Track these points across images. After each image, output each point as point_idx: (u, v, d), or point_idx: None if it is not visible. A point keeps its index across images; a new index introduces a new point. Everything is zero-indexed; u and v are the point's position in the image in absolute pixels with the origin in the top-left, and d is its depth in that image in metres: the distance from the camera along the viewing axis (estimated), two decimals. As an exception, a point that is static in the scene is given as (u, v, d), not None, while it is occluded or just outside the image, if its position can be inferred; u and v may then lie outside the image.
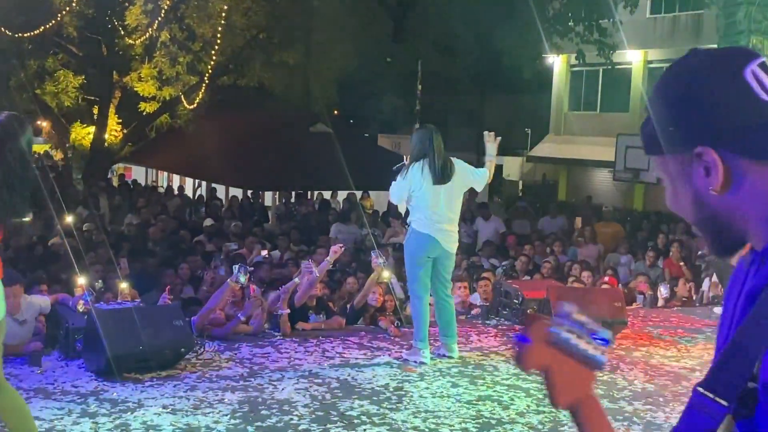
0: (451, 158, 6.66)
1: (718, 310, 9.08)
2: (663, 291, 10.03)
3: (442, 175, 6.48)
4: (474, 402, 5.69)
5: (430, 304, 6.70)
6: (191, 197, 20.14)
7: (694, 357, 7.20)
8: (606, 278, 10.26)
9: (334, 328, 7.64)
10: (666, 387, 6.25)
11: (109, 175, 22.00)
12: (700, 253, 11.05)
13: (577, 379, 1.42)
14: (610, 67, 23.60)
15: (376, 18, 22.29)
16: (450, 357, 6.71)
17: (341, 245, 8.06)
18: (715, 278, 10.31)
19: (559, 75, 29.36)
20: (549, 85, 29.08)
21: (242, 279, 6.94)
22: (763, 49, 10.49)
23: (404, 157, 6.86)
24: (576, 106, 29.22)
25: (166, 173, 25.40)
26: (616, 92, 27.38)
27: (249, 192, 18.87)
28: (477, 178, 6.73)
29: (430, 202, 6.49)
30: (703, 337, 8.01)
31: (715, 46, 21.76)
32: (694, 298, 10.37)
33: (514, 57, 22.68)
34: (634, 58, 26.52)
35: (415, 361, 6.57)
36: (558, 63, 28.86)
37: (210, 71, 18.28)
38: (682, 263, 11.60)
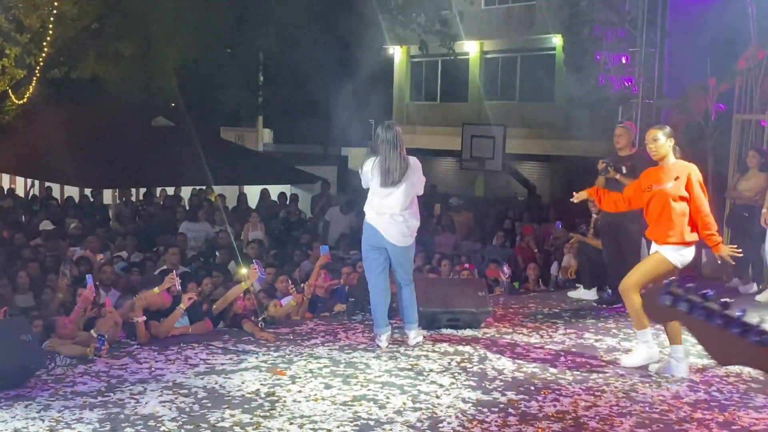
0: (409, 158, 6.85)
1: (572, 294, 9.31)
2: (505, 270, 10.21)
3: (388, 180, 6.77)
4: (350, 403, 5.52)
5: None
6: (24, 198, 18.98)
7: (557, 342, 7.31)
8: (466, 265, 10.37)
9: (201, 332, 7.27)
10: (535, 375, 6.30)
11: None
12: (552, 236, 11.34)
13: None
14: (449, 57, 24.02)
15: (216, 8, 21.67)
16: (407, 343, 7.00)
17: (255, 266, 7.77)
18: (566, 262, 10.59)
19: (399, 66, 29.64)
20: (391, 75, 29.26)
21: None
22: (604, 38, 10.85)
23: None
24: (417, 97, 29.59)
25: (-7, 173, 23.84)
26: (455, 82, 27.89)
27: (89, 191, 17.92)
28: (421, 186, 7.01)
29: (378, 197, 6.84)
30: (562, 321, 8.16)
31: (548, 35, 22.64)
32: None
33: (357, 48, 22.66)
34: (471, 49, 27.08)
35: (377, 347, 6.88)
36: (398, 54, 29.12)
37: (40, 64, 17.23)
38: (536, 249, 11.88)
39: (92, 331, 6.59)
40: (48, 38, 16.79)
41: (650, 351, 6.21)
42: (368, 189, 6.97)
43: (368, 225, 6.95)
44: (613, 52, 10.96)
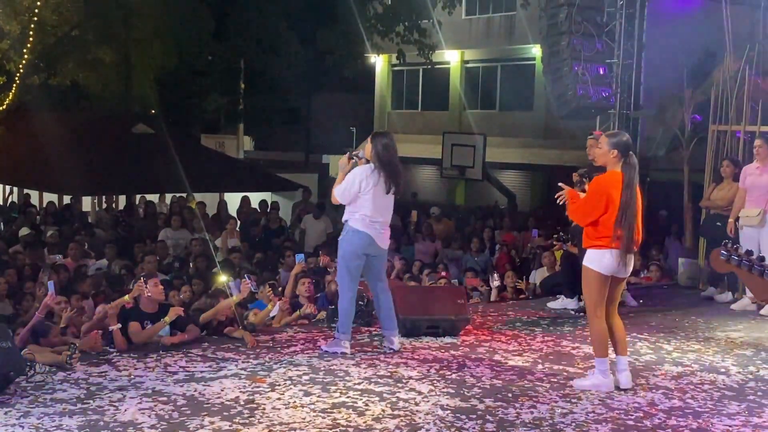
0: None
1: (552, 304, 9.36)
2: (495, 279, 10.27)
3: (396, 187, 7.02)
4: (329, 410, 5.56)
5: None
6: (3, 204, 18.90)
7: (535, 350, 7.38)
8: (443, 273, 10.44)
9: (191, 339, 7.28)
10: (513, 382, 6.36)
11: None
12: (529, 245, 11.41)
13: None
14: (429, 66, 24.14)
15: (196, 15, 21.71)
16: (392, 349, 7.11)
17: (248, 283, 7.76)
18: (542, 276, 10.66)
19: (380, 74, 29.76)
20: (372, 84, 29.37)
21: None
22: (582, 50, 10.97)
23: (350, 151, 7.25)
24: (398, 105, 29.73)
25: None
26: (435, 91, 28.06)
27: (69, 198, 17.87)
28: None
29: (372, 205, 6.94)
30: (540, 329, 8.23)
31: (528, 46, 22.80)
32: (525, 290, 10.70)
33: (336, 56, 22.74)
34: (451, 58, 27.26)
35: (336, 352, 6.97)
36: (380, 62, 29.25)
37: (20, 70, 17.18)
38: (518, 259, 11.95)
39: (74, 341, 6.59)
40: (28, 45, 16.72)
41: (603, 380, 6.11)
42: (353, 198, 6.98)
43: (359, 232, 6.96)
44: (591, 64, 11.08)
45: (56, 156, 17.42)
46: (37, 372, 6.10)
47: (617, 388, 6.15)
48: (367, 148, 7.04)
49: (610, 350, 6.21)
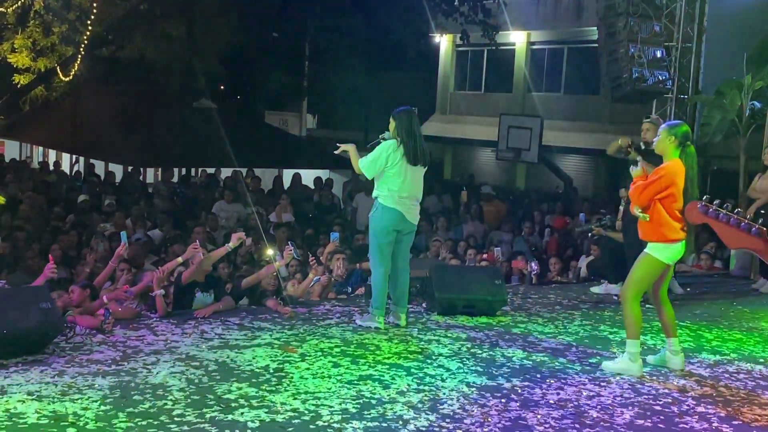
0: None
1: (595, 288, 9.28)
2: (533, 266, 10.22)
3: (422, 158, 7.09)
4: (355, 382, 5.63)
5: None
6: (68, 173, 19.41)
7: (571, 333, 7.34)
8: (485, 255, 10.41)
9: (228, 308, 7.45)
10: (543, 363, 6.34)
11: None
12: (579, 229, 11.25)
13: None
14: (494, 48, 23.92)
15: (261, -8, 21.89)
16: (398, 325, 7.19)
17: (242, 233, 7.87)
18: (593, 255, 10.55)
19: (444, 54, 29.57)
20: (435, 64, 29.23)
21: None
22: (640, 32, 10.79)
23: (378, 135, 7.32)
24: (461, 86, 29.50)
25: (41, 148, 24.39)
26: (500, 73, 27.76)
27: (129, 168, 18.29)
28: None
29: (401, 180, 7.03)
30: (579, 314, 8.18)
31: (596, 28, 22.42)
32: (570, 275, 10.61)
33: (399, 35, 22.69)
34: (517, 39, 26.92)
35: (369, 327, 7.07)
36: (444, 42, 29.09)
37: (86, 42, 17.52)
38: (564, 243, 11.84)
39: (104, 298, 6.79)
40: (93, 16, 17.02)
41: (632, 365, 6.09)
42: (382, 176, 7.08)
43: (388, 208, 7.07)
44: (648, 46, 10.87)
45: (120, 127, 17.81)
46: (77, 334, 6.31)
47: (667, 368, 6.20)
48: (391, 126, 7.10)
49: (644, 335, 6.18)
